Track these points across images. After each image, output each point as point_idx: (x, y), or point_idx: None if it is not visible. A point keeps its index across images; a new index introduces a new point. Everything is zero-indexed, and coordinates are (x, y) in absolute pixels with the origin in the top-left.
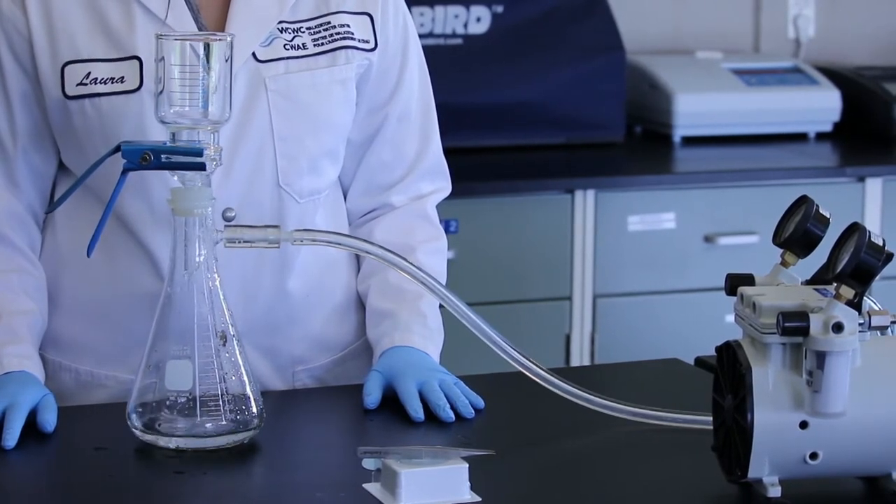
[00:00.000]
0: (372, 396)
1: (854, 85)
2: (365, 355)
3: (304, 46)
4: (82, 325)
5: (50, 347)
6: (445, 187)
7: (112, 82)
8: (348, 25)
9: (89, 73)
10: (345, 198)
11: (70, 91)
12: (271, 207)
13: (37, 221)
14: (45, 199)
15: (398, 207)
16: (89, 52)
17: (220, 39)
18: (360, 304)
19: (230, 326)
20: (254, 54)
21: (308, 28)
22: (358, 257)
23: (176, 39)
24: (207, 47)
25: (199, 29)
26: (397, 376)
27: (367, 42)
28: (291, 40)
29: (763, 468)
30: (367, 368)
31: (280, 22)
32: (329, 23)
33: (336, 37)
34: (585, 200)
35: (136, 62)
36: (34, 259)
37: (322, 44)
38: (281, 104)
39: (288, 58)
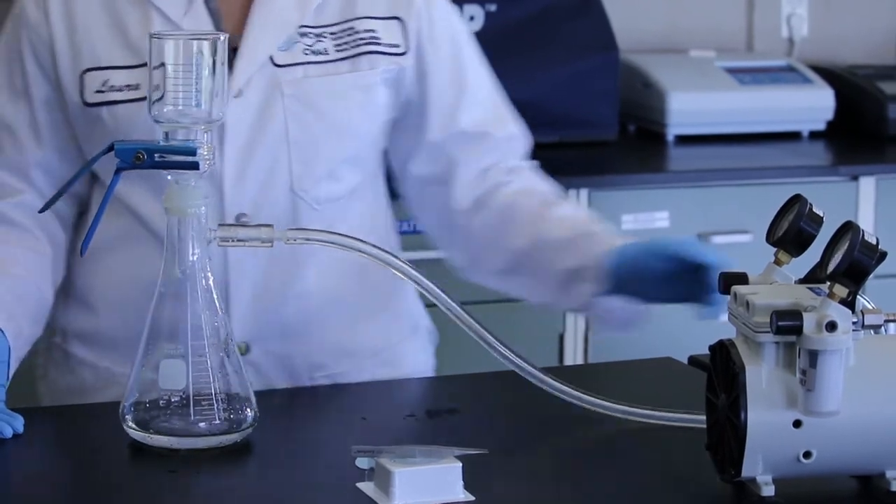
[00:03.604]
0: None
1: (847, 84)
2: (390, 364)
3: (326, 52)
4: (110, 322)
5: (76, 343)
6: (525, 142)
7: (128, 89)
8: (374, 31)
9: (107, 81)
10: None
11: (89, 98)
12: (285, 213)
13: (58, 217)
14: (70, 202)
15: (507, 183)
16: (108, 59)
17: (212, 39)
18: (384, 308)
19: (224, 325)
20: (272, 59)
21: (332, 33)
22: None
23: (169, 38)
24: (201, 47)
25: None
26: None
27: (396, 46)
28: (312, 45)
29: (756, 467)
30: (389, 376)
31: (302, 26)
32: (353, 28)
33: (360, 42)
34: (579, 199)
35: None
36: (40, 238)
37: (344, 49)
38: (297, 109)
39: (307, 63)
